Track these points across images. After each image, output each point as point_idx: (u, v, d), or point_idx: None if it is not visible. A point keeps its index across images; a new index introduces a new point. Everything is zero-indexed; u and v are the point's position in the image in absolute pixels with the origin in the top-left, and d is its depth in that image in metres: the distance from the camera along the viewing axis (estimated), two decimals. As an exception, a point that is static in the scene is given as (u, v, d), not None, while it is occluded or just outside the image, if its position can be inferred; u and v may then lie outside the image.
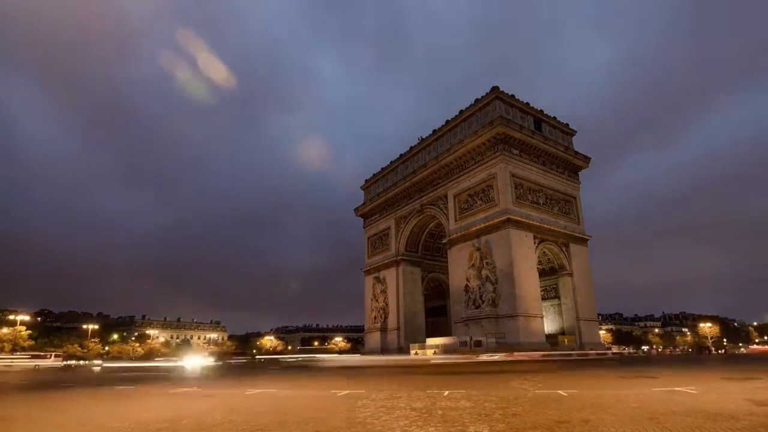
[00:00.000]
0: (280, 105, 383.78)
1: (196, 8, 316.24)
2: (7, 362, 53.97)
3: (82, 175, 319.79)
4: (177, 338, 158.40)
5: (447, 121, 69.04)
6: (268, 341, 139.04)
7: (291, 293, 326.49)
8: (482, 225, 57.74)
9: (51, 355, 61.38)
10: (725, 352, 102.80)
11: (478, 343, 52.21)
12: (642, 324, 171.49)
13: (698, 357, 65.96)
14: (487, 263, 56.01)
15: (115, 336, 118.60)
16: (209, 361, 65.17)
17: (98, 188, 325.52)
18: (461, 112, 66.17)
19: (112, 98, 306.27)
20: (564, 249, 61.08)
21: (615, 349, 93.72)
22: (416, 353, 60.53)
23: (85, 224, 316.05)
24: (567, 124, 69.16)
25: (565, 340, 57.54)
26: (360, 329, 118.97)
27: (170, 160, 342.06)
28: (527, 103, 63.73)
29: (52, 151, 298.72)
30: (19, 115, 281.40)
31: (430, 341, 61.23)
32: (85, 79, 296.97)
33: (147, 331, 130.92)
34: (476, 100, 63.67)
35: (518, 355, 43.09)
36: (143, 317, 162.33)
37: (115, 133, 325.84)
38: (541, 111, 65.41)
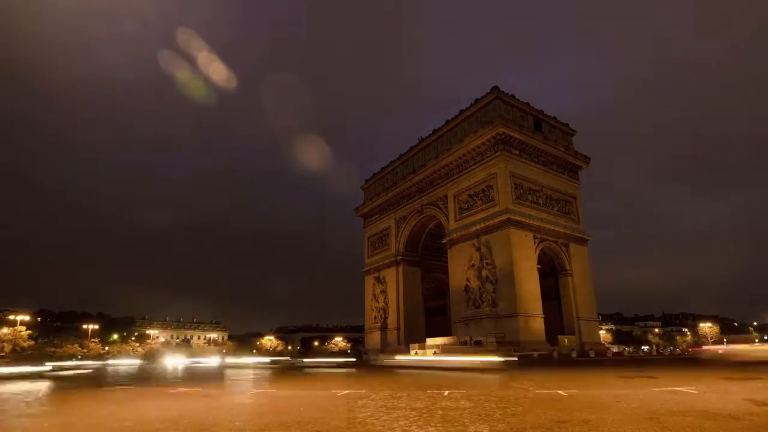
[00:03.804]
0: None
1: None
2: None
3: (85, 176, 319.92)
4: (177, 338, 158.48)
5: (447, 121, 69.01)
6: (269, 341, 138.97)
7: (291, 292, 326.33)
8: (482, 225, 57.74)
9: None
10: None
11: (478, 343, 52.17)
12: (642, 324, 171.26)
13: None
14: (487, 263, 56.01)
15: (115, 336, 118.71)
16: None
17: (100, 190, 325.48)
18: (461, 111, 66.14)
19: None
20: (564, 249, 61.08)
21: (615, 349, 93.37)
22: (416, 353, 60.47)
23: (86, 223, 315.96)
24: (567, 124, 69.18)
25: (565, 340, 57.48)
26: (360, 329, 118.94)
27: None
28: (527, 103, 63.74)
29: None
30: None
31: (430, 341, 61.13)
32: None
33: (147, 331, 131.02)
34: (476, 100, 63.63)
35: None
36: (143, 317, 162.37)
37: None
38: (541, 111, 65.43)
